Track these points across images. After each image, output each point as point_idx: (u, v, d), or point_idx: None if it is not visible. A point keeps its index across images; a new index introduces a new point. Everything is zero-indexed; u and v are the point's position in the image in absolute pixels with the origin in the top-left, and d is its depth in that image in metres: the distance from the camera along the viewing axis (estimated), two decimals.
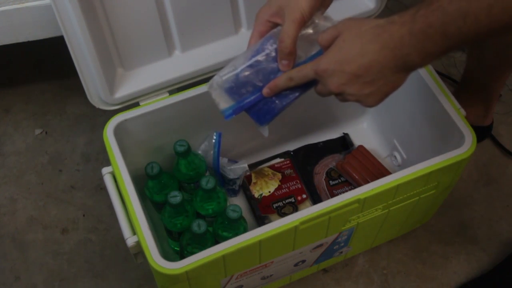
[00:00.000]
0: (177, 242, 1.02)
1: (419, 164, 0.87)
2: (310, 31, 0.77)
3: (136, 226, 0.83)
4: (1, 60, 1.42)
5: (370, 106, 0.74)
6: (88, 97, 0.96)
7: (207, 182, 0.95)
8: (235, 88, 0.80)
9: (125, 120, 0.94)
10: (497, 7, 0.59)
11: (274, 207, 1.11)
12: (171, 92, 0.99)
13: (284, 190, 1.13)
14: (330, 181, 1.15)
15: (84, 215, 1.21)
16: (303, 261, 0.99)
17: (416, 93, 1.01)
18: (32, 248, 1.17)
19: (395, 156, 1.18)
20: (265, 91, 0.79)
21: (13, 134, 1.33)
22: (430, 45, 0.65)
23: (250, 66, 0.79)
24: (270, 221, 0.95)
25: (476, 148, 0.89)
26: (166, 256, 0.82)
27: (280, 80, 0.77)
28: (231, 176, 1.10)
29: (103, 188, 1.23)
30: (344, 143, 1.22)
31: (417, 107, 1.04)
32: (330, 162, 1.18)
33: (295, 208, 1.11)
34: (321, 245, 0.95)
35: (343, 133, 1.23)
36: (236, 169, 1.10)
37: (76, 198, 1.23)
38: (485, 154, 1.29)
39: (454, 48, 0.66)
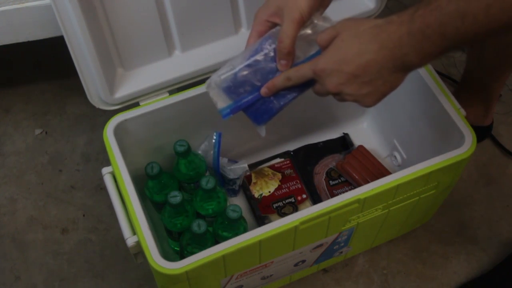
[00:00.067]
0: (177, 242, 1.02)
1: (419, 164, 0.87)
2: (309, 31, 0.77)
3: (136, 226, 0.83)
4: (1, 60, 1.42)
5: (368, 106, 0.74)
6: (88, 97, 0.96)
7: (207, 182, 0.95)
8: (233, 88, 0.80)
9: (125, 120, 0.94)
10: (496, 7, 0.59)
11: (274, 207, 1.11)
12: (171, 92, 0.99)
13: (284, 190, 1.13)
14: (330, 181, 1.15)
15: (84, 215, 1.21)
16: (303, 261, 0.99)
17: (416, 93, 1.01)
18: (32, 248, 1.17)
19: (395, 156, 1.18)
20: (263, 90, 0.79)
21: (13, 134, 1.33)
22: (428, 45, 0.65)
23: (249, 65, 0.79)
24: (270, 221, 0.95)
25: (476, 148, 0.89)
26: (166, 256, 0.82)
27: (278, 80, 0.77)
28: (231, 176, 1.10)
29: (103, 188, 1.23)
30: (344, 143, 1.22)
31: (417, 107, 1.04)
32: (330, 162, 1.18)
33: (295, 208, 1.11)
34: (321, 245, 0.95)
35: (343, 133, 1.23)
36: (236, 169, 1.10)
37: (76, 198, 1.23)
38: (485, 154, 1.29)
39: (452, 48, 0.66)
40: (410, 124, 1.10)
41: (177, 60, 1.01)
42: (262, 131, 0.83)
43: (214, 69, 0.98)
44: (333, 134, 1.23)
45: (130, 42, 0.96)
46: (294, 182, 1.14)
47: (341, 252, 1.05)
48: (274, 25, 0.79)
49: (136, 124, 0.96)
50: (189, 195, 1.07)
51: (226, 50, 0.99)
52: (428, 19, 0.64)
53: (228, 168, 1.10)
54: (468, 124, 0.92)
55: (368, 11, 1.06)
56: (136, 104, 0.97)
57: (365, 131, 1.25)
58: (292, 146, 1.21)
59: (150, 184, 1.02)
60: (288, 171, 1.16)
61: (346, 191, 0.89)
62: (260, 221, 1.10)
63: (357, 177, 1.11)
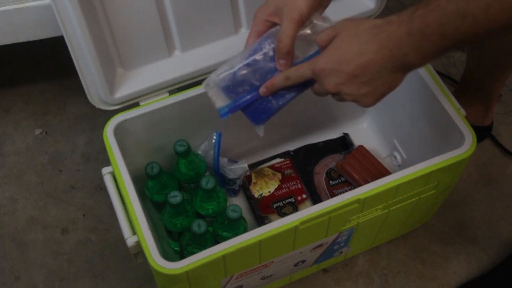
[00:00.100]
0: (177, 242, 1.02)
1: (419, 164, 0.87)
2: (308, 31, 0.77)
3: (136, 226, 0.83)
4: (1, 60, 1.42)
5: (367, 106, 0.74)
6: (88, 97, 0.96)
7: (207, 182, 0.95)
8: (232, 87, 0.80)
9: (125, 120, 0.94)
10: (495, 7, 0.59)
11: (274, 207, 1.11)
12: (171, 92, 0.99)
13: (284, 190, 1.13)
14: (330, 181, 1.15)
15: (84, 215, 1.21)
16: (303, 261, 0.99)
17: (416, 93, 1.01)
18: (32, 248, 1.17)
19: (395, 156, 1.18)
20: (262, 90, 0.79)
21: (13, 134, 1.33)
22: (427, 45, 0.65)
23: (248, 65, 0.79)
24: (270, 221, 0.95)
25: (476, 148, 0.89)
26: (166, 256, 0.82)
27: (277, 79, 0.77)
28: (231, 176, 1.10)
29: (103, 188, 1.23)
30: (344, 143, 1.22)
31: (417, 107, 1.04)
32: (330, 162, 1.18)
33: (295, 208, 1.11)
34: (321, 245, 0.95)
35: (343, 133, 1.23)
36: (236, 169, 1.10)
37: (76, 198, 1.23)
38: (485, 154, 1.29)
39: (452, 48, 0.66)
40: (410, 124, 1.10)
41: (177, 60, 1.01)
42: (261, 131, 0.83)
43: (214, 69, 0.98)
44: (333, 134, 1.23)
45: (130, 42, 0.96)
46: (294, 182, 1.14)
47: (341, 252, 1.05)
48: (274, 24, 0.79)
49: (136, 124, 0.96)
50: (189, 195, 1.07)
51: (226, 50, 0.99)
52: (428, 19, 0.64)
53: (228, 168, 1.10)
54: (468, 124, 0.92)
55: (368, 11, 1.06)
56: (136, 104, 0.97)
57: (365, 131, 1.25)
58: (292, 146, 1.21)
59: (150, 184, 1.02)
60: (288, 171, 1.16)
61: (346, 191, 0.89)
62: (260, 221, 1.10)
63: (357, 177, 1.11)
